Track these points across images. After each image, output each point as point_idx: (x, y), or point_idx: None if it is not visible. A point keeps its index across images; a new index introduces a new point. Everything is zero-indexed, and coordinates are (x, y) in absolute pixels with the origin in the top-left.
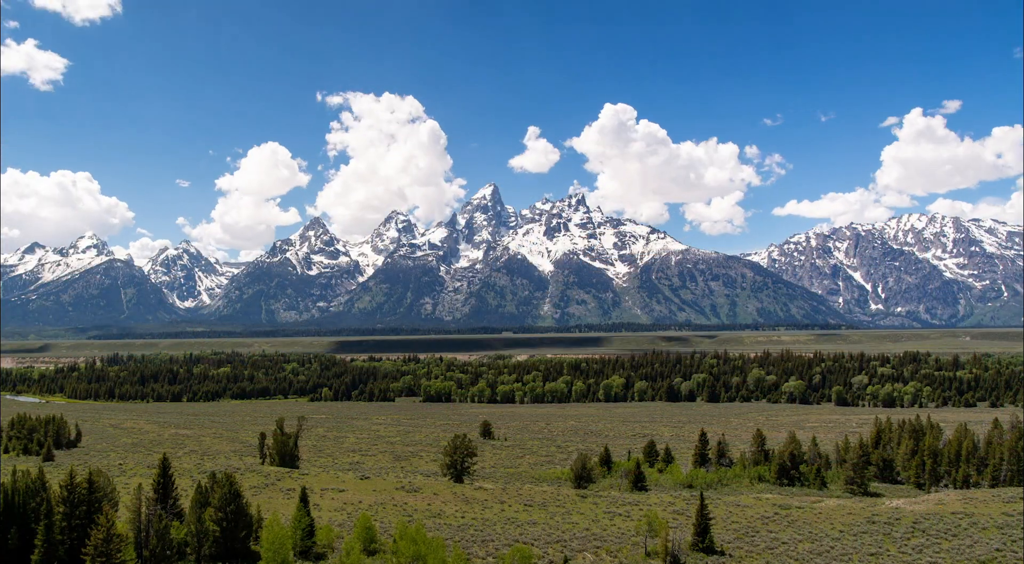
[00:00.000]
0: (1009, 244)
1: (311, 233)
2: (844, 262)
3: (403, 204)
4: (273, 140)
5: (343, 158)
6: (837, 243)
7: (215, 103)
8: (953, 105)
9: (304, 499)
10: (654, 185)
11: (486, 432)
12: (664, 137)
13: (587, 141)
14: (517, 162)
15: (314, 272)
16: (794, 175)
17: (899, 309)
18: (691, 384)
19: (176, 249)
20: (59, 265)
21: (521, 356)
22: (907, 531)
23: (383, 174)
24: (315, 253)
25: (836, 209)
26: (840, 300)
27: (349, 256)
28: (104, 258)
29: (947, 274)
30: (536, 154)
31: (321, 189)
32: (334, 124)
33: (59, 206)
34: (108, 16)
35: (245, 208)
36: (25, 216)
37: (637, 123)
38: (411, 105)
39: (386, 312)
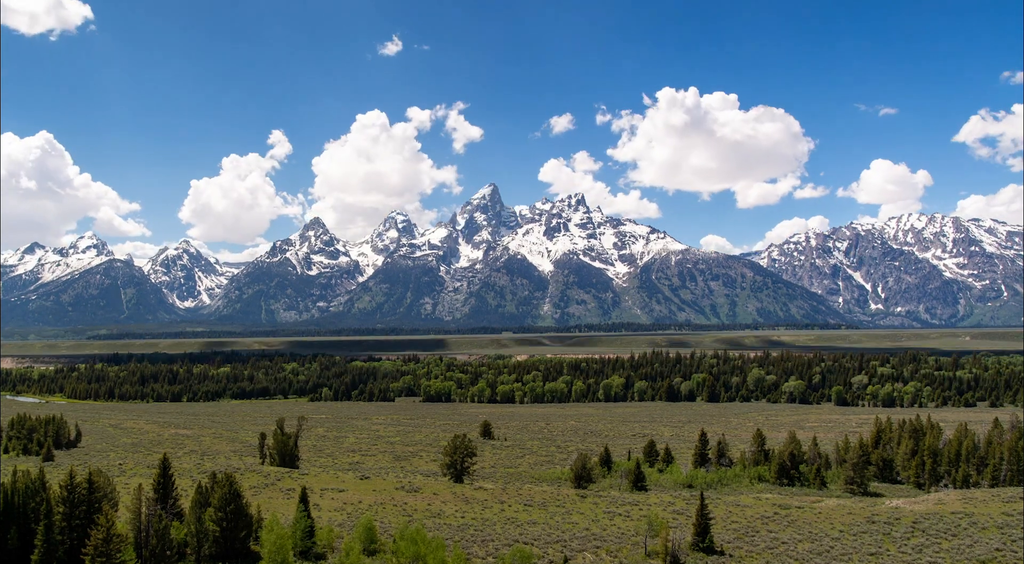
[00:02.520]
0: (1009, 244)
1: (311, 233)
2: (844, 262)
3: (417, 186)
4: (274, 129)
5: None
6: (837, 243)
7: (214, 93)
8: None
9: (304, 499)
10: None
11: (486, 432)
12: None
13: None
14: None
15: (314, 272)
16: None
17: (899, 309)
18: (691, 384)
19: (176, 249)
20: (59, 265)
21: (521, 356)
22: (907, 531)
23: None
24: (315, 253)
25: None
26: (840, 300)
27: (349, 256)
28: (104, 258)
29: (947, 274)
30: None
31: (312, 184)
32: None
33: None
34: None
35: (237, 196)
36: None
37: (670, 92)
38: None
39: (386, 312)
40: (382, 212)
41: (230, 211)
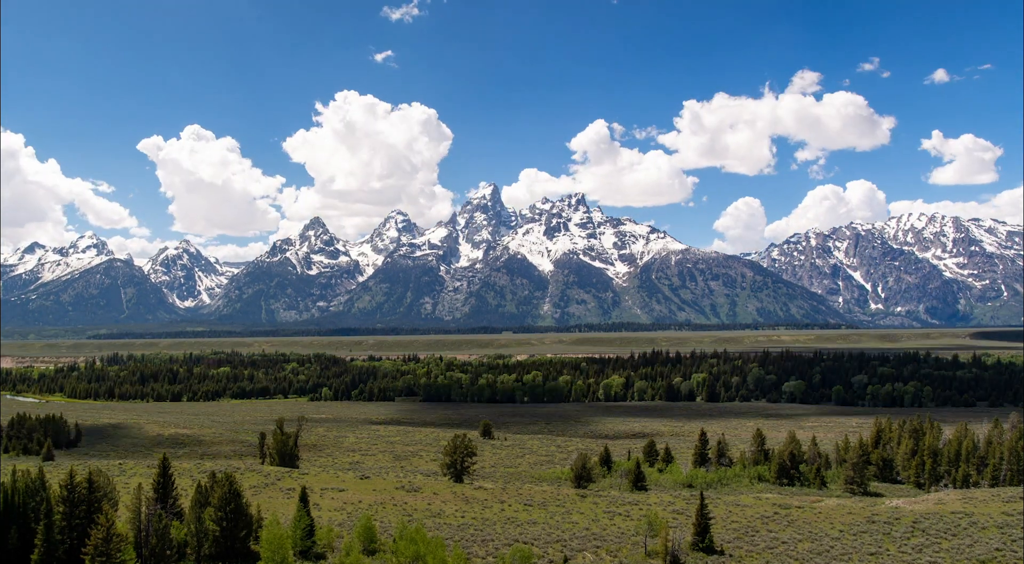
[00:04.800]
0: (1009, 244)
1: (311, 233)
2: (844, 262)
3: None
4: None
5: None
6: (837, 243)
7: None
8: None
9: (304, 499)
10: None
11: (486, 432)
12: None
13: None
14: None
15: (314, 272)
16: None
17: (899, 309)
18: (691, 384)
19: (176, 249)
20: (59, 265)
21: (521, 356)
22: (907, 531)
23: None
24: (315, 253)
25: None
26: (840, 300)
27: (349, 256)
28: (104, 258)
29: (947, 274)
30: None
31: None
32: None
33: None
34: None
35: (226, 182)
36: None
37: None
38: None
39: (386, 312)
40: (392, 193)
41: (219, 198)
